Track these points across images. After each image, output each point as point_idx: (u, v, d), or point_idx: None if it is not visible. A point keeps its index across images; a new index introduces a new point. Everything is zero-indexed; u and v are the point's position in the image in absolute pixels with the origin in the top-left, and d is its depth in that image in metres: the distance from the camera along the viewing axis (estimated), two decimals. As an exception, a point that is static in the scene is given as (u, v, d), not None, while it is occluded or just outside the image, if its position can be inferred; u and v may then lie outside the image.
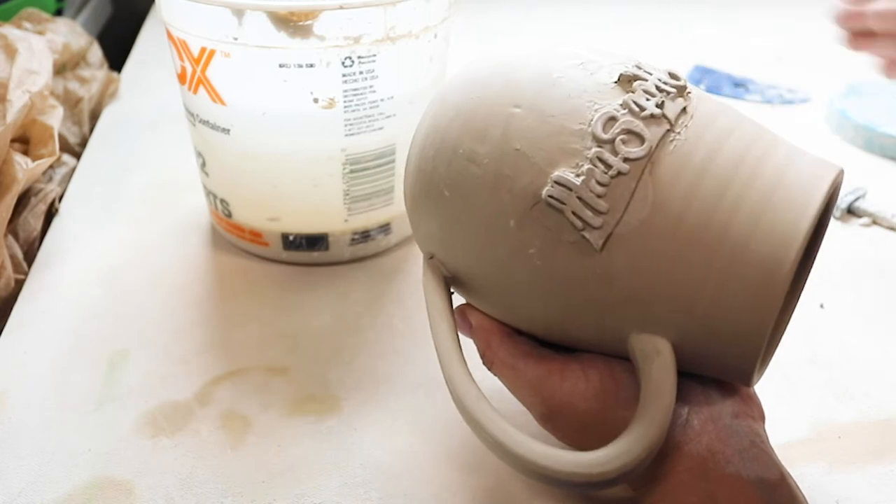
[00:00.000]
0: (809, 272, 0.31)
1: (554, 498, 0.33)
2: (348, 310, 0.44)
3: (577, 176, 0.26)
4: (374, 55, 0.40)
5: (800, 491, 0.27)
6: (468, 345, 0.30)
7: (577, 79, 0.27)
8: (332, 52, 0.39)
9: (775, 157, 0.26)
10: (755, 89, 0.73)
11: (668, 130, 0.26)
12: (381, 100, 0.42)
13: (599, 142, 0.26)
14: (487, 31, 0.88)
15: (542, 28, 0.90)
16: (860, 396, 0.39)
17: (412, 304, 0.45)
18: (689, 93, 0.28)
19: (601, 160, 0.26)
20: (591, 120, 0.26)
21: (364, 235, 0.47)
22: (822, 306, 0.45)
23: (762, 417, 0.29)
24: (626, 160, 0.26)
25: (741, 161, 0.26)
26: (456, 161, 0.28)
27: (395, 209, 0.48)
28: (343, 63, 0.40)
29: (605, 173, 0.26)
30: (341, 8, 0.38)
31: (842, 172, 0.27)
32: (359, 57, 0.40)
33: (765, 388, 0.30)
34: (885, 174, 0.60)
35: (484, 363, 0.31)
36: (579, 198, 0.26)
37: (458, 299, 0.32)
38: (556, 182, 0.26)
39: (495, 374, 0.30)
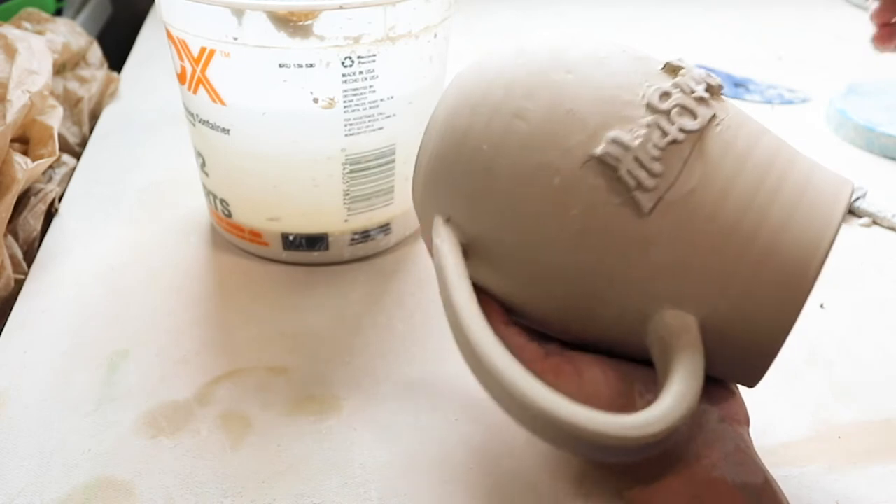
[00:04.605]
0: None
1: (553, 499, 0.33)
2: (348, 310, 0.44)
3: (634, 138, 0.27)
4: (374, 55, 0.40)
5: (782, 494, 0.27)
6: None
7: (624, 60, 0.29)
8: (331, 52, 0.39)
9: (800, 164, 0.28)
10: (755, 89, 0.73)
11: (714, 114, 0.28)
12: (381, 100, 0.42)
13: (656, 111, 0.27)
14: (487, 31, 0.88)
15: (542, 28, 0.90)
16: (860, 396, 0.39)
17: (412, 304, 0.45)
18: (723, 93, 0.29)
19: (659, 126, 0.27)
20: (645, 93, 0.27)
21: (364, 235, 0.47)
22: (822, 306, 0.45)
23: (747, 421, 0.29)
24: (681, 130, 0.27)
25: (774, 161, 0.27)
26: (498, 117, 0.28)
27: (395, 209, 0.48)
28: (343, 63, 0.40)
29: (663, 138, 0.27)
30: (341, 8, 0.38)
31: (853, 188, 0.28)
32: (359, 57, 0.40)
33: (765, 388, 0.30)
34: (885, 174, 0.60)
35: None
36: (636, 158, 0.26)
37: None
38: (613, 140, 0.26)
39: None
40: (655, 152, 0.26)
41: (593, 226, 0.27)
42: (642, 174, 0.26)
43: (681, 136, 0.27)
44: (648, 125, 0.27)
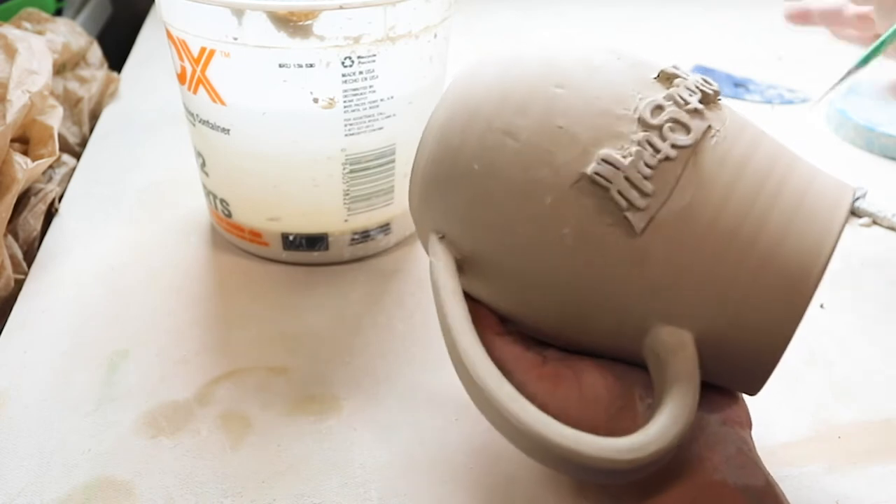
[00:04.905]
0: None
1: (554, 499, 0.33)
2: (348, 310, 0.44)
3: (625, 157, 0.26)
4: (374, 55, 0.40)
5: (784, 496, 0.27)
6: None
7: (618, 69, 0.28)
8: (331, 52, 0.39)
9: (800, 169, 0.27)
10: (755, 89, 0.73)
11: (709, 126, 0.27)
12: (381, 100, 0.42)
13: (648, 126, 0.26)
14: (487, 31, 0.88)
15: (542, 28, 0.90)
16: (860, 396, 0.39)
17: (412, 304, 0.45)
18: (720, 99, 0.29)
19: (650, 143, 0.26)
20: (638, 107, 0.27)
21: (364, 235, 0.47)
22: (822, 306, 0.45)
23: (749, 423, 0.29)
24: (673, 146, 0.26)
25: (773, 166, 0.27)
26: (490, 134, 0.28)
27: (395, 209, 0.48)
28: (343, 63, 0.40)
29: (654, 156, 0.26)
30: (341, 8, 0.38)
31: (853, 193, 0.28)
32: (359, 57, 0.40)
33: (765, 388, 0.30)
34: (885, 174, 0.60)
35: None
36: (626, 178, 0.26)
37: None
38: (603, 160, 0.26)
39: None
40: (647, 171, 0.26)
41: (585, 245, 0.27)
42: (633, 194, 0.26)
43: (673, 152, 0.26)
44: (640, 142, 0.26)
